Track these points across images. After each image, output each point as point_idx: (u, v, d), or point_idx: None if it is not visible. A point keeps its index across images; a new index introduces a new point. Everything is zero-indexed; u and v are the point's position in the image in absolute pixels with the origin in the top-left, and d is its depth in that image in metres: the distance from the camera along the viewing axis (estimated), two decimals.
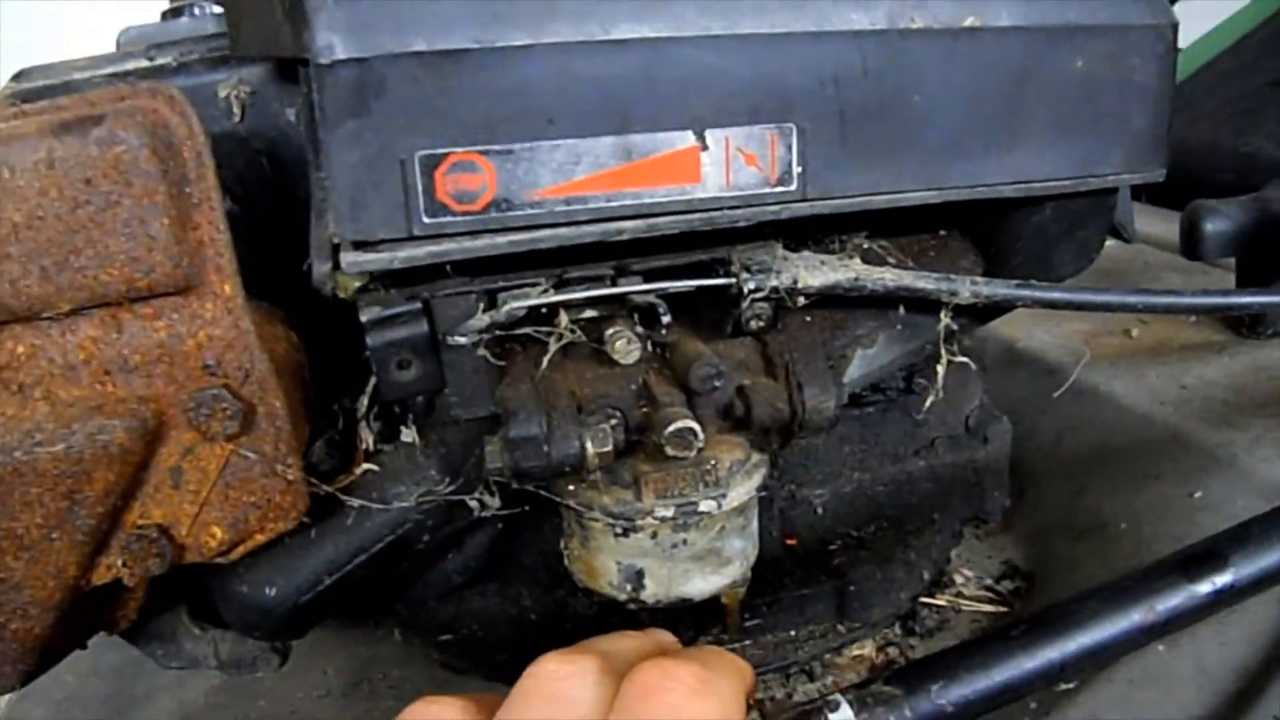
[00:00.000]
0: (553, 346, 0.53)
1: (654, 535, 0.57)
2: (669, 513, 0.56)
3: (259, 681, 0.71)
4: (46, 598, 0.53)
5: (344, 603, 0.59)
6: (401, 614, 0.67)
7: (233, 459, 0.54)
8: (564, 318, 0.53)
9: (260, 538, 0.56)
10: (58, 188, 0.48)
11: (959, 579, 0.78)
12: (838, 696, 0.47)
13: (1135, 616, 0.51)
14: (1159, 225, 1.13)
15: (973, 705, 0.48)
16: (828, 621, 0.73)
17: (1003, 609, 0.76)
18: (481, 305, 0.52)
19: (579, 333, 0.54)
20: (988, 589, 0.77)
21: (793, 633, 0.71)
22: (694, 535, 0.57)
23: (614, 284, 0.54)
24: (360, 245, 0.49)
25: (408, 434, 0.56)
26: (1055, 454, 0.84)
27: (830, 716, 0.46)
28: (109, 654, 0.63)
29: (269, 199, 0.55)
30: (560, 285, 0.53)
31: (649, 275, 0.54)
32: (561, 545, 0.61)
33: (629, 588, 0.58)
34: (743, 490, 0.57)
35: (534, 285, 0.53)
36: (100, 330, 0.51)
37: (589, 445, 0.53)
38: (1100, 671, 0.60)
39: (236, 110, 0.57)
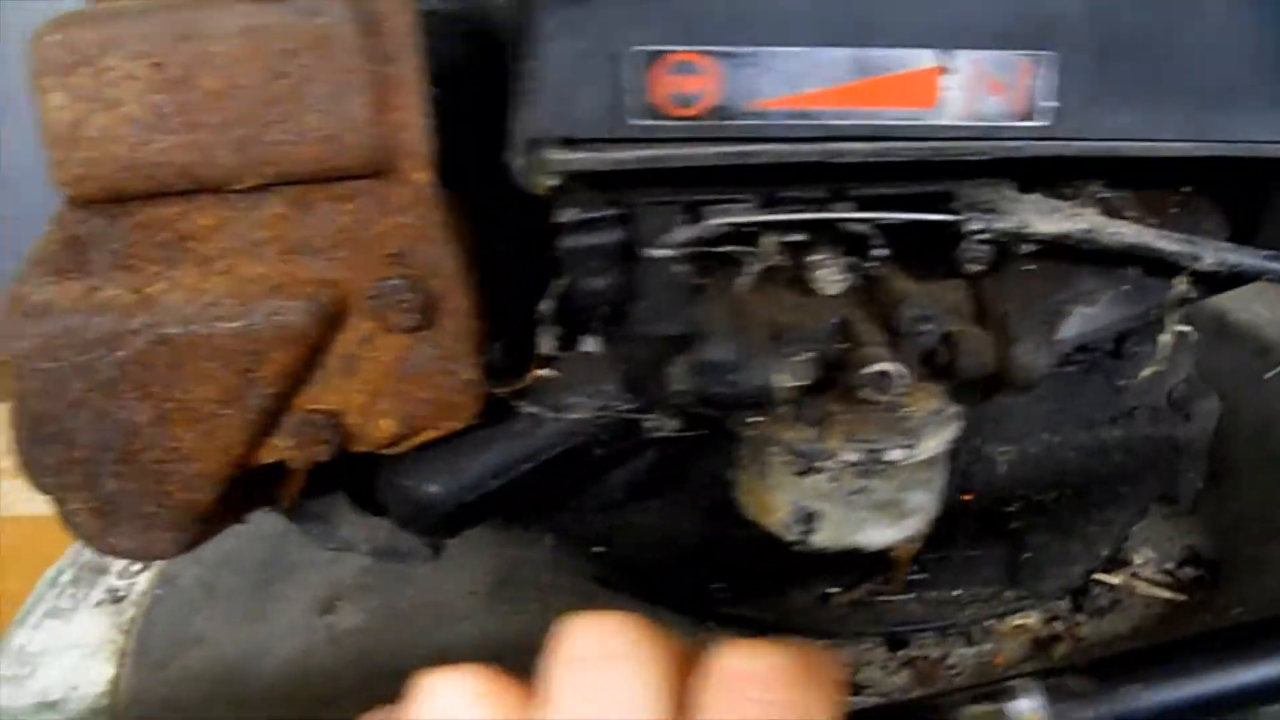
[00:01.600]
0: (753, 269, 0.50)
1: (835, 478, 0.53)
2: (854, 457, 0.52)
3: (408, 570, 0.72)
4: (213, 471, 0.53)
5: (505, 507, 0.58)
6: (557, 521, 0.66)
7: (410, 352, 0.52)
8: (769, 239, 0.49)
9: (429, 434, 0.55)
10: (256, 57, 0.46)
11: (1137, 559, 0.72)
12: (1030, 682, 0.43)
13: None
14: None
15: (1177, 714, 0.44)
16: (995, 586, 0.69)
17: (1181, 597, 0.70)
18: (682, 218, 0.49)
19: (782, 257, 0.50)
20: (1167, 574, 0.72)
21: (957, 593, 0.67)
22: (876, 484, 0.54)
23: (825, 209, 0.50)
24: (565, 143, 0.46)
25: (590, 344, 0.54)
26: (1258, 441, 0.77)
27: (1019, 702, 0.43)
28: (266, 523, 0.63)
29: (472, 85, 0.52)
30: (769, 205, 0.49)
31: (864, 203, 0.50)
32: (733, 474, 0.58)
33: (800, 529, 0.55)
34: (934, 443, 0.53)
35: (740, 202, 0.49)
36: (287, 208, 0.50)
37: (781, 379, 0.50)
38: None
39: None
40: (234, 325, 0.50)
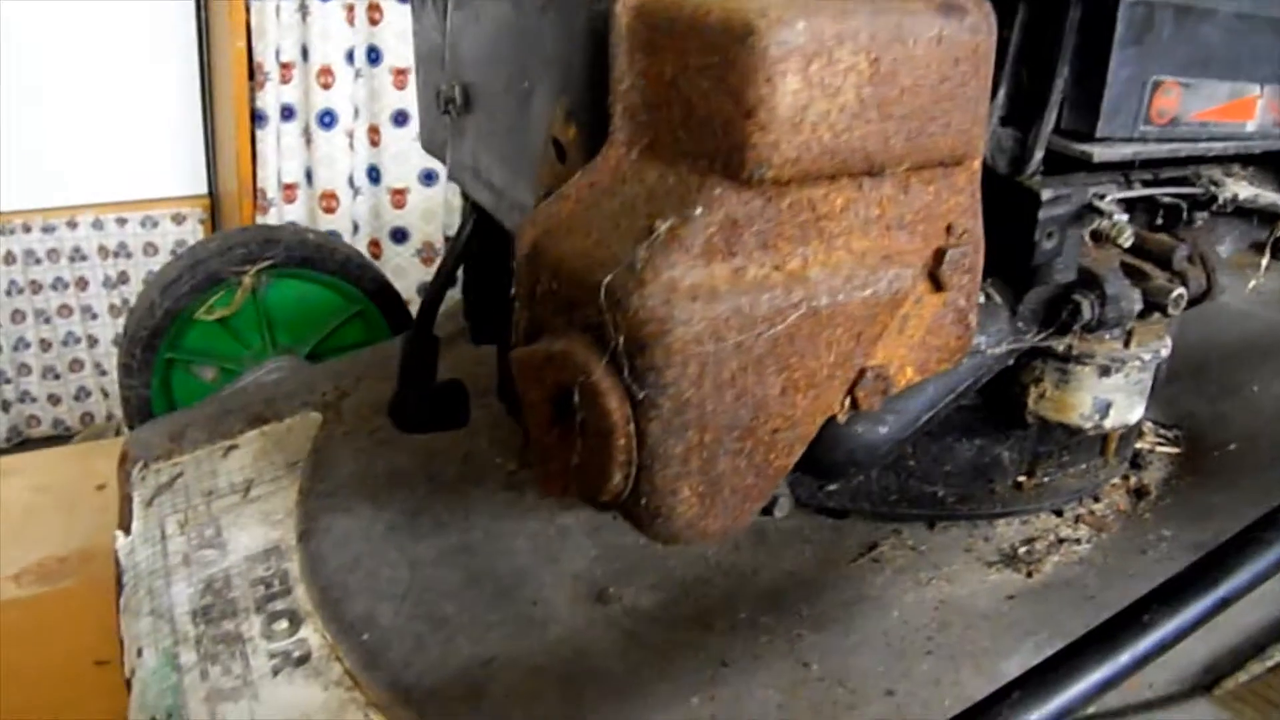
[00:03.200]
0: (1124, 234, 0.69)
1: (1127, 375, 0.74)
2: (1146, 358, 0.74)
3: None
4: (808, 435, 0.57)
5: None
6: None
7: (940, 309, 0.62)
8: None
9: (918, 379, 0.65)
10: (938, 62, 0.54)
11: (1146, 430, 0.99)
12: None
13: None
14: None
15: None
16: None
17: (1178, 449, 0.98)
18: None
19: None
20: (1163, 436, 1.00)
21: (1081, 467, 0.88)
22: (1146, 376, 0.75)
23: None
24: (1095, 139, 0.61)
25: (993, 292, 0.69)
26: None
27: None
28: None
29: None
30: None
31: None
32: (1021, 388, 0.76)
33: (1097, 417, 0.74)
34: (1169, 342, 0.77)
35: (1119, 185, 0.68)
36: (895, 190, 0.57)
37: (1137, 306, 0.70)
38: None
39: None
40: (865, 294, 0.56)
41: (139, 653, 0.83)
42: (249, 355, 1.23)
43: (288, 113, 2.46)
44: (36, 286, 2.56)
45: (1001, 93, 0.63)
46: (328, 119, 2.49)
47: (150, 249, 2.63)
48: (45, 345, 2.61)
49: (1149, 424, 0.96)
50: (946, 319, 0.62)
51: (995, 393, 0.76)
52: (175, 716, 0.76)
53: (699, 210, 0.51)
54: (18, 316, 2.56)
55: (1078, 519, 0.85)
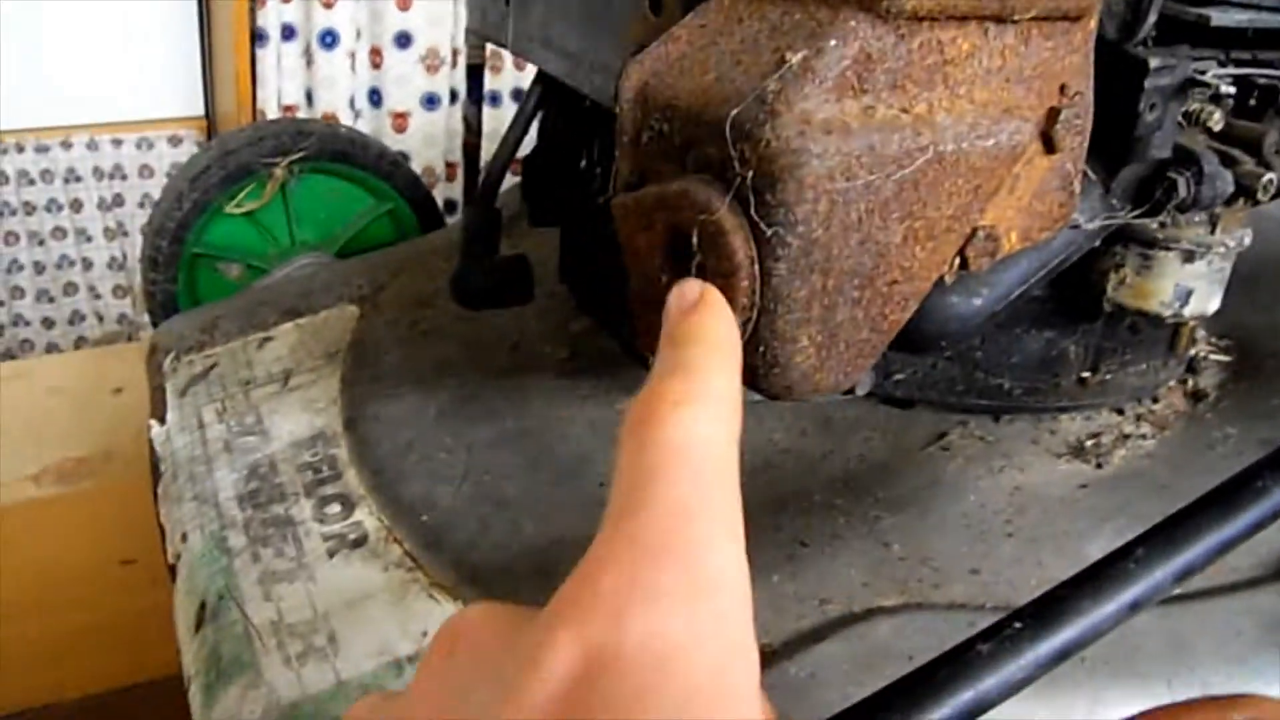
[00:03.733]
0: (1214, 115, 0.67)
1: (1209, 262, 0.73)
2: (1231, 243, 0.72)
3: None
4: (922, 291, 0.56)
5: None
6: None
7: (1048, 172, 0.61)
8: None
9: (1021, 245, 0.64)
10: None
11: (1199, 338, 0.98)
12: None
13: None
14: None
15: None
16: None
17: (1229, 357, 0.98)
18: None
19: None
20: (1214, 344, 1.01)
21: (1141, 368, 0.87)
22: (1228, 265, 0.74)
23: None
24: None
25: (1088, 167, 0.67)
26: None
27: None
28: None
29: None
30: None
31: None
32: (1100, 275, 0.75)
33: (1176, 305, 0.73)
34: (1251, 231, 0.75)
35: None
36: (1016, 41, 0.55)
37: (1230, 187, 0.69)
38: None
39: None
40: (987, 144, 0.54)
41: (183, 538, 0.81)
42: (276, 253, 1.20)
43: (288, 32, 2.41)
44: (30, 208, 2.51)
45: None
46: (329, 39, 2.43)
47: (146, 171, 2.58)
48: (39, 268, 2.55)
49: (1200, 332, 0.95)
50: (1053, 183, 0.61)
51: (1069, 282, 0.75)
52: (226, 599, 0.75)
53: (833, 42, 0.50)
54: (10, 239, 2.51)
55: (1139, 418, 0.84)
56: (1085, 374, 0.82)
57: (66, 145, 2.48)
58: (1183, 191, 0.66)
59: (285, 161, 1.09)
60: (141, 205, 2.54)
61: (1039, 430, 0.82)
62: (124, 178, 2.56)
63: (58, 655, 1.10)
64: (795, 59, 0.50)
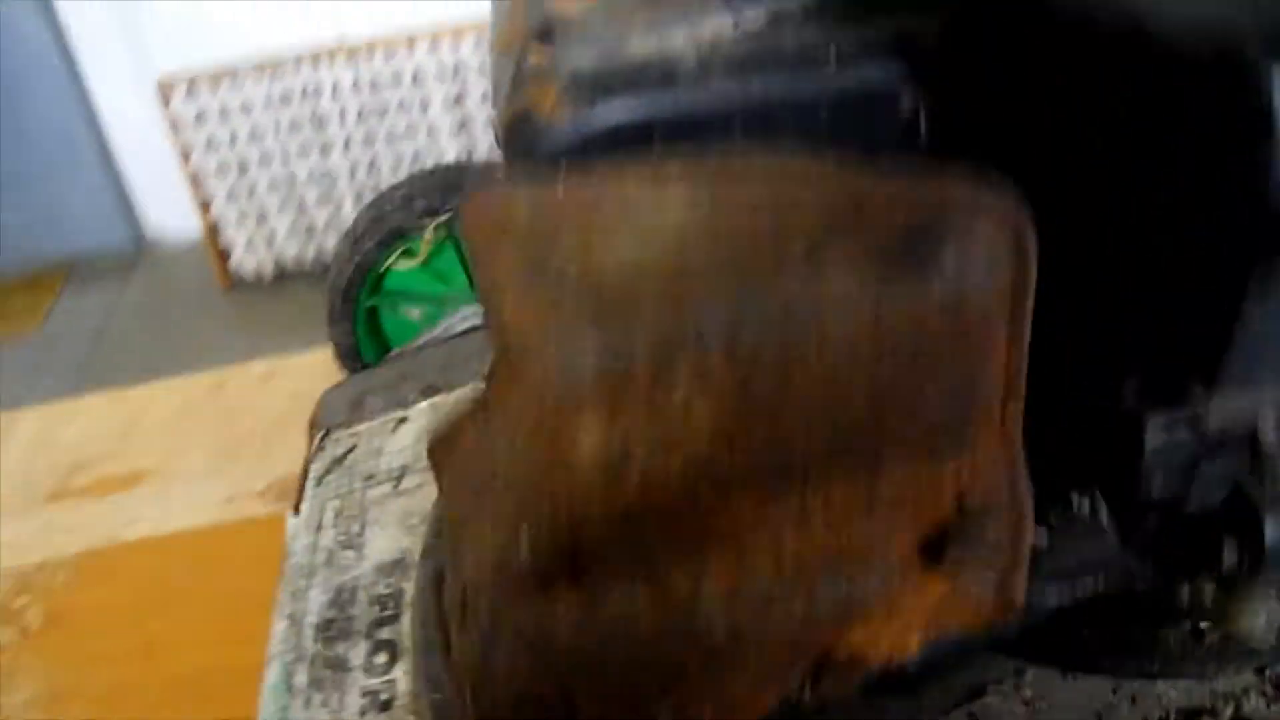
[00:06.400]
0: None
1: None
2: None
3: None
4: None
5: None
6: None
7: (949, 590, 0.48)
8: None
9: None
10: None
11: None
12: None
13: None
14: None
15: None
16: None
17: None
18: None
19: None
20: None
21: None
22: None
23: None
24: None
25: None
26: None
27: None
28: None
29: None
30: None
31: None
32: None
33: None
34: None
35: None
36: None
37: None
38: None
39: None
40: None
41: (268, 660, 0.89)
42: (452, 294, 1.22)
43: None
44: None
45: None
46: None
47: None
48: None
49: None
50: (970, 591, 0.48)
51: None
52: None
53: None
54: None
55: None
56: None
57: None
58: (1228, 559, 0.49)
59: (434, 224, 1.09)
60: None
61: None
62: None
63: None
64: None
